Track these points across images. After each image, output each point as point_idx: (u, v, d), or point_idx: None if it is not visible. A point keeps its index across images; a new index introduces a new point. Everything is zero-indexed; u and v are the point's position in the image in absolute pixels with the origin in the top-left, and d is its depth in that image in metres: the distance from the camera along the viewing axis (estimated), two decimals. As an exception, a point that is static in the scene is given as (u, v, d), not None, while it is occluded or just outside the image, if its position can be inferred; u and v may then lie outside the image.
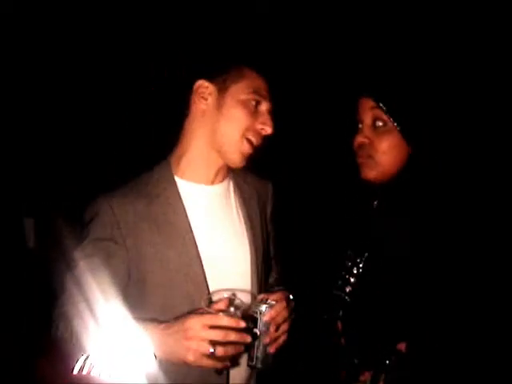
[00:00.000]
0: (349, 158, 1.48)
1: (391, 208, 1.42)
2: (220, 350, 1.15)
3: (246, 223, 1.45)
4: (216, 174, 1.42)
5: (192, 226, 1.35)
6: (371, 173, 1.41)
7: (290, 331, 1.29)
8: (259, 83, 1.38)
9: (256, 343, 1.25)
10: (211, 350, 1.14)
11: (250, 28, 2.23)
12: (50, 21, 2.52)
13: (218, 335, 1.15)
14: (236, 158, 1.38)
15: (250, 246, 1.43)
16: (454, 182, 1.46)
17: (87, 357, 1.13)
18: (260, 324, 1.25)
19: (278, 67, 1.46)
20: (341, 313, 1.44)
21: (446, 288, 1.29)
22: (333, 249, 1.52)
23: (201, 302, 1.23)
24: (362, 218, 1.49)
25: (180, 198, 1.37)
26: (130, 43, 2.44)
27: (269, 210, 1.57)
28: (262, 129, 1.37)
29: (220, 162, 1.40)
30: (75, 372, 1.12)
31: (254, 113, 1.37)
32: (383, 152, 1.40)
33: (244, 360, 1.29)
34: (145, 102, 2.30)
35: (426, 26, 2.36)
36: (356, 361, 1.38)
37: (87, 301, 1.22)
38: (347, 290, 1.44)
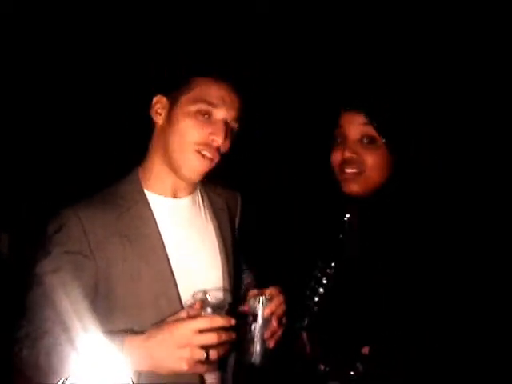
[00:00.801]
0: (323, 171, 1.50)
1: (367, 221, 1.43)
2: (213, 354, 1.12)
3: (217, 235, 1.44)
4: (183, 188, 1.40)
5: (163, 239, 1.33)
6: (357, 187, 1.42)
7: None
8: (213, 91, 1.32)
9: (255, 339, 1.24)
10: (205, 355, 1.11)
11: (205, 33, 2.23)
12: (50, 21, 2.53)
13: (212, 338, 1.12)
14: (188, 174, 1.34)
15: (222, 257, 1.42)
16: (436, 200, 1.47)
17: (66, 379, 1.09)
18: (259, 318, 1.24)
19: (239, 72, 1.41)
20: (306, 322, 1.47)
21: (414, 298, 1.31)
22: (302, 259, 1.54)
23: (173, 315, 1.21)
24: (333, 229, 1.50)
25: (151, 211, 1.34)
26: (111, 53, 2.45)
27: (237, 221, 1.57)
28: (213, 140, 1.31)
29: (176, 175, 1.37)
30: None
31: (206, 124, 1.31)
32: (373, 168, 1.41)
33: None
34: (112, 115, 2.29)
35: (419, 45, 2.34)
36: (322, 369, 1.40)
37: (57, 317, 1.16)
38: (315, 299, 1.46)
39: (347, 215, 1.49)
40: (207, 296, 1.25)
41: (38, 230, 1.31)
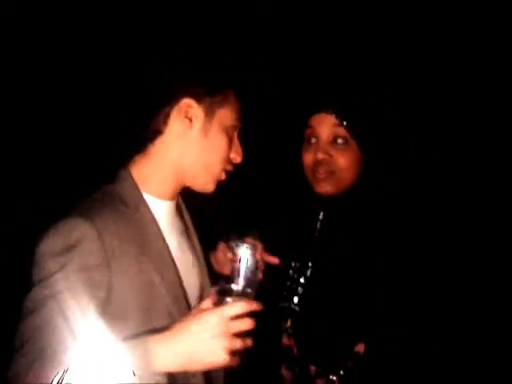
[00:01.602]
0: (294, 172, 1.51)
1: (342, 218, 1.45)
2: (249, 341, 1.07)
3: (194, 235, 1.45)
4: (178, 191, 1.36)
5: (168, 246, 1.29)
6: (329, 187, 1.44)
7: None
8: (238, 108, 1.30)
9: (247, 265, 1.35)
10: (241, 343, 1.05)
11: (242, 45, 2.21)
12: (51, 21, 2.54)
13: (248, 324, 1.05)
14: (209, 186, 1.31)
15: (199, 258, 1.43)
16: (405, 194, 1.51)
17: (65, 371, 0.94)
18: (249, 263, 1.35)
19: (254, 89, 1.42)
20: (289, 323, 1.47)
21: (395, 292, 1.34)
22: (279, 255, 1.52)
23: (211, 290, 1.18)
24: (307, 228, 1.50)
25: (153, 217, 1.28)
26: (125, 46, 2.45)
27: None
28: (235, 158, 1.32)
29: (185, 182, 1.33)
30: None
31: (232, 141, 1.31)
32: (345, 168, 1.43)
33: None
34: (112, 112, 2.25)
35: (389, 45, 2.34)
36: (314, 370, 1.40)
37: (74, 335, 1.04)
38: (295, 299, 1.46)
39: (321, 215, 1.49)
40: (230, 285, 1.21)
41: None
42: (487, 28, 2.28)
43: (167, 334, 1.04)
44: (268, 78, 2.44)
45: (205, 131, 1.27)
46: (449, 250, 1.48)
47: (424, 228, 1.42)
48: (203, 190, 1.32)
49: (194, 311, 1.13)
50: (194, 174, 1.30)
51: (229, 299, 1.11)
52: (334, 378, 1.36)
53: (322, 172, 1.43)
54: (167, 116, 1.26)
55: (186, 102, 1.25)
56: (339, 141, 1.42)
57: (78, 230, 1.12)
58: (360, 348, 1.36)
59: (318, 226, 1.48)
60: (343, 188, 1.44)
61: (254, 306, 1.07)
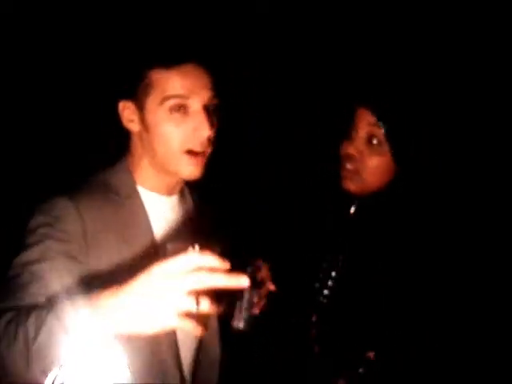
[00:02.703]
0: (329, 164, 1.47)
1: (373, 215, 1.43)
2: (205, 303, 0.85)
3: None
4: (176, 185, 1.34)
5: (156, 240, 1.27)
6: (353, 186, 1.41)
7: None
8: (177, 81, 1.19)
9: (243, 302, 1.19)
10: (196, 304, 0.84)
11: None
12: (51, 21, 2.53)
13: (205, 278, 0.84)
14: (187, 175, 1.27)
15: None
16: (436, 206, 1.46)
17: (57, 372, 0.96)
18: (252, 281, 1.07)
19: (194, 47, 1.26)
20: (314, 318, 1.44)
21: (418, 297, 1.31)
22: (308, 252, 1.52)
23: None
24: (339, 222, 1.49)
25: (144, 209, 1.27)
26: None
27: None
28: (199, 135, 1.22)
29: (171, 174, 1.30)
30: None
31: (185, 119, 1.22)
32: (372, 171, 1.39)
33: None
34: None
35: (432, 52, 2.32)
36: (331, 367, 1.38)
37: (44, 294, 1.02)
38: (325, 292, 1.44)
39: (352, 208, 1.47)
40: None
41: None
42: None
43: (113, 289, 0.90)
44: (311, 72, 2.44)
45: (145, 126, 1.23)
46: (479, 258, 1.43)
47: (454, 236, 1.39)
48: (186, 178, 1.29)
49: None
50: (168, 169, 1.27)
51: None
52: (361, 370, 1.33)
53: (347, 168, 1.40)
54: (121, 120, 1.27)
55: (121, 104, 1.24)
56: (374, 141, 1.37)
57: (58, 208, 1.15)
58: (370, 355, 1.34)
59: (350, 220, 1.47)
60: (368, 191, 1.41)
61: (216, 261, 0.87)
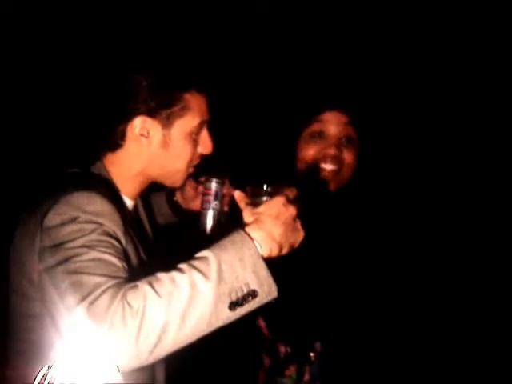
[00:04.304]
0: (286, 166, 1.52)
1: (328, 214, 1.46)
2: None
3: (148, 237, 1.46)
4: (143, 191, 1.38)
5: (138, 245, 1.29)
6: (331, 185, 1.46)
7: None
8: (203, 106, 1.28)
9: (212, 212, 1.55)
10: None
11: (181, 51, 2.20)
12: (51, 21, 2.54)
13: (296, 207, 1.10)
14: (179, 182, 1.36)
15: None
16: (396, 195, 1.56)
17: (49, 367, 0.93)
18: (219, 195, 1.56)
19: (216, 80, 1.40)
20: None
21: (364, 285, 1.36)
22: None
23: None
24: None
25: (130, 215, 1.31)
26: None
27: None
28: (204, 151, 1.34)
29: (152, 182, 1.35)
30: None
31: (197, 138, 1.31)
32: (349, 165, 1.45)
33: None
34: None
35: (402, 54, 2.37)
36: (283, 351, 1.40)
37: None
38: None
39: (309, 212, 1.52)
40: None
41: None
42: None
43: (254, 224, 1.05)
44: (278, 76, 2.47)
45: (165, 144, 1.26)
46: (439, 245, 1.50)
47: (412, 228, 1.45)
48: (173, 185, 1.38)
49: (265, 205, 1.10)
50: (160, 179, 1.33)
51: (264, 198, 1.17)
52: (312, 353, 1.37)
53: (329, 168, 1.44)
54: (123, 133, 1.26)
55: (139, 119, 1.24)
56: (347, 139, 1.45)
57: (100, 203, 1.11)
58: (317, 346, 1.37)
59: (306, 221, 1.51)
60: (340, 186, 1.47)
61: (294, 191, 1.14)
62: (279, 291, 1.04)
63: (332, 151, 1.43)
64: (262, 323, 1.47)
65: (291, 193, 1.13)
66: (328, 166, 1.44)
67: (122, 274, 1.02)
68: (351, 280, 1.36)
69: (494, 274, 2.02)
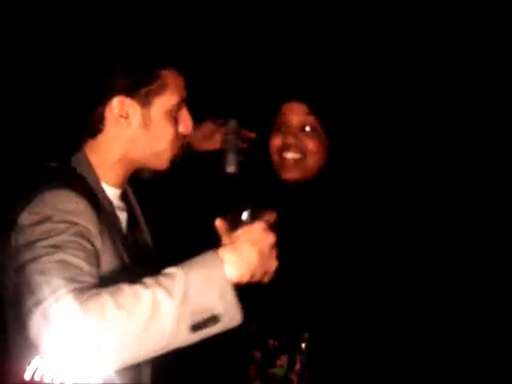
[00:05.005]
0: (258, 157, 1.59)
1: (303, 207, 1.50)
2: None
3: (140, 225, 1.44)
4: (127, 178, 1.34)
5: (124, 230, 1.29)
6: (296, 173, 1.50)
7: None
8: (180, 83, 1.26)
9: (231, 151, 1.65)
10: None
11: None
12: (51, 21, 2.55)
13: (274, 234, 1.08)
14: (165, 165, 1.31)
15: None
16: (368, 184, 1.57)
17: (40, 360, 0.98)
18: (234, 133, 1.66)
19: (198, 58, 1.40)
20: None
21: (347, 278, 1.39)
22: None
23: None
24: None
25: (112, 206, 1.26)
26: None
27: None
28: (184, 132, 1.30)
29: (137, 167, 1.31)
30: (26, 377, 0.99)
31: (177, 117, 1.28)
32: (313, 152, 1.49)
33: None
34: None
35: (357, 39, 2.40)
36: (271, 345, 1.43)
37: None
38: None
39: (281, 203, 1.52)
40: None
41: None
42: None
43: (229, 246, 1.02)
44: (239, 64, 2.50)
45: (145, 124, 1.24)
46: (412, 237, 1.56)
47: (389, 215, 1.48)
48: (159, 168, 1.31)
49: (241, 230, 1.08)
50: (144, 162, 1.29)
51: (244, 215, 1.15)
52: (303, 345, 1.38)
53: (290, 157, 1.49)
54: (102, 116, 1.23)
55: (117, 99, 1.21)
56: (308, 128, 1.50)
57: (75, 201, 1.09)
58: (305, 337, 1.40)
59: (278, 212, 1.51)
60: (309, 175, 1.50)
61: (274, 215, 1.13)
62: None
63: (291, 140, 1.49)
64: (254, 325, 1.46)
65: (271, 217, 1.12)
66: (288, 155, 1.49)
67: (88, 278, 0.98)
68: (336, 270, 1.39)
69: (491, 270, 2.02)
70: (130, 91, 1.21)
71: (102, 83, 1.23)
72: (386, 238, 1.42)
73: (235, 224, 1.12)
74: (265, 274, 1.07)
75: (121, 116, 1.22)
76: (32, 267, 0.98)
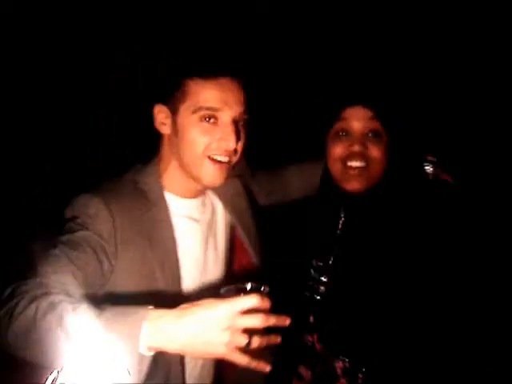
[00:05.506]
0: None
1: (364, 217, 1.44)
2: (256, 341, 0.96)
3: (228, 234, 1.45)
4: (200, 189, 1.37)
5: (178, 243, 1.31)
6: (360, 185, 1.41)
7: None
8: (211, 94, 1.25)
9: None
10: (246, 340, 0.95)
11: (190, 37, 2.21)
12: (51, 21, 2.53)
13: (257, 320, 0.95)
14: (209, 182, 1.31)
15: (218, 258, 1.42)
16: (430, 195, 1.50)
17: (58, 372, 0.94)
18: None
19: (232, 64, 1.34)
20: (311, 319, 1.46)
21: (418, 288, 1.33)
22: (297, 259, 1.52)
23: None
24: (329, 227, 1.50)
25: (170, 215, 1.31)
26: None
27: (256, 188, 1.57)
28: (225, 145, 1.27)
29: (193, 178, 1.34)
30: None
31: (213, 129, 1.26)
32: (378, 160, 1.41)
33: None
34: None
35: (423, 46, 2.36)
36: (339, 366, 1.39)
37: (64, 283, 1.06)
38: (317, 297, 1.45)
39: (342, 213, 1.48)
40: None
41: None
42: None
43: (173, 312, 0.97)
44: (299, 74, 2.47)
45: (175, 130, 1.29)
46: (471, 251, 1.43)
47: (448, 228, 1.40)
48: (208, 182, 1.32)
49: (206, 300, 1.00)
50: (192, 174, 1.32)
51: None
52: (360, 375, 1.34)
53: (355, 165, 1.40)
54: (155, 126, 1.33)
55: (157, 108, 1.30)
56: (373, 134, 1.41)
57: (91, 207, 1.20)
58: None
59: (340, 224, 1.47)
60: (371, 184, 1.42)
61: (266, 303, 0.98)
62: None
63: (357, 148, 1.40)
64: (311, 337, 1.45)
65: (260, 301, 0.96)
66: (354, 163, 1.40)
67: (61, 275, 1.08)
68: (401, 290, 1.33)
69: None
70: (163, 99, 1.28)
71: (146, 92, 1.34)
72: (446, 252, 1.36)
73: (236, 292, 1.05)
74: (209, 354, 0.98)
75: (162, 123, 1.30)
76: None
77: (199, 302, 0.98)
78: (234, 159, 1.32)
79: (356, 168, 1.40)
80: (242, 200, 1.49)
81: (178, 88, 1.26)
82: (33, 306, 0.99)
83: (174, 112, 1.28)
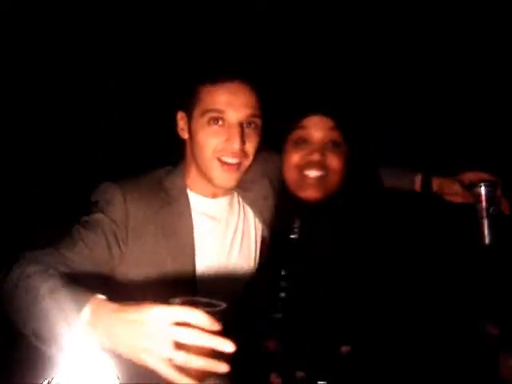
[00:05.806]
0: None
1: (321, 225, 1.43)
2: (181, 357, 0.86)
3: (252, 232, 1.48)
4: (222, 190, 1.42)
5: (195, 239, 1.36)
6: (317, 193, 1.41)
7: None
8: (219, 97, 1.31)
9: (484, 220, 1.38)
10: (171, 354, 0.86)
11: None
12: (50, 21, 2.53)
13: (188, 336, 0.86)
14: (220, 183, 1.37)
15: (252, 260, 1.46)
16: (387, 202, 1.50)
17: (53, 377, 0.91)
18: (484, 200, 1.38)
19: (240, 68, 1.42)
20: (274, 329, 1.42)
21: (379, 295, 1.33)
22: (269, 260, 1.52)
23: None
24: (283, 236, 1.47)
25: (190, 210, 1.37)
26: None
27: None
28: (230, 146, 1.32)
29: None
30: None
31: (221, 131, 1.32)
32: (337, 170, 1.41)
33: None
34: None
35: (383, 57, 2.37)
36: (300, 376, 1.36)
37: (72, 264, 1.18)
38: (279, 305, 1.43)
39: (297, 223, 1.46)
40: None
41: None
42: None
43: (110, 306, 0.94)
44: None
45: (190, 134, 1.39)
46: (434, 254, 1.46)
47: (406, 233, 1.42)
48: (219, 184, 1.38)
49: (145, 303, 0.94)
50: (206, 175, 1.38)
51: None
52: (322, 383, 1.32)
53: (312, 175, 1.40)
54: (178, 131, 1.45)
55: (179, 115, 1.42)
56: (332, 144, 1.41)
57: (108, 193, 1.32)
58: (344, 350, 1.34)
59: (296, 232, 1.45)
60: (328, 194, 1.42)
61: (210, 321, 0.88)
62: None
63: (315, 157, 1.39)
64: (272, 345, 1.41)
65: (189, 314, 0.89)
66: (311, 172, 1.40)
67: (69, 252, 1.20)
68: (359, 295, 1.33)
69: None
70: (182, 106, 1.39)
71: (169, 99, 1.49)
72: (413, 252, 1.39)
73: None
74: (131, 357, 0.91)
75: (182, 129, 1.40)
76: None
77: (142, 303, 0.92)
78: (246, 161, 1.35)
79: (313, 177, 1.40)
80: (269, 203, 1.52)
81: (193, 94, 1.34)
82: (17, 273, 1.10)
83: (189, 118, 1.36)
